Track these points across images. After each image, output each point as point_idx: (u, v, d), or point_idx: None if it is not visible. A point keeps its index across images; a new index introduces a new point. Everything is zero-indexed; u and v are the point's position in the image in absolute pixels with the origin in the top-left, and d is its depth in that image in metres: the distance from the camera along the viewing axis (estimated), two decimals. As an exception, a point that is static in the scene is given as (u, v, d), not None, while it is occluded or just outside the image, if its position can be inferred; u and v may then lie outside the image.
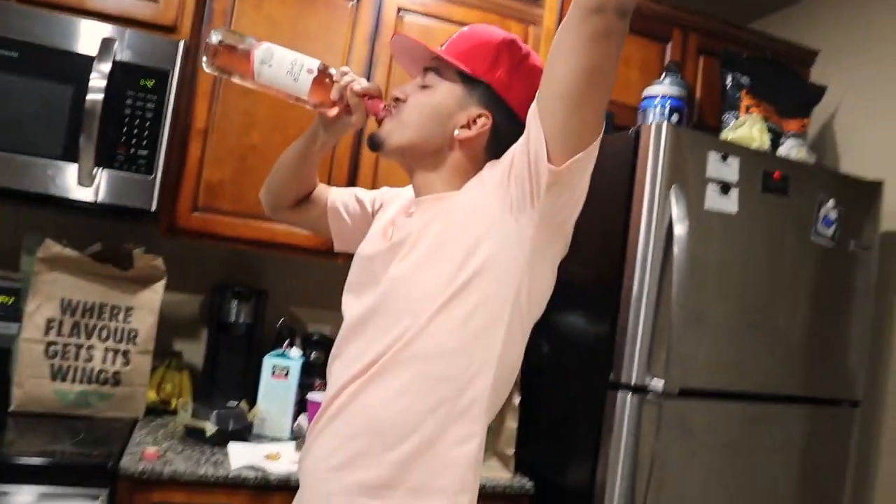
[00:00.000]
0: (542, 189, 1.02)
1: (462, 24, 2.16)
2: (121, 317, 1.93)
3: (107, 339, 1.91)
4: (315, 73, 1.19)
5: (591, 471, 1.79)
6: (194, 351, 2.28)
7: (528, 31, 2.29)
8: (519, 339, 1.13)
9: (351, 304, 1.20)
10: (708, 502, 1.82)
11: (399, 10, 2.17)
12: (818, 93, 2.40)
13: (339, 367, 1.15)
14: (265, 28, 2.04)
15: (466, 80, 1.16)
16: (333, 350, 1.20)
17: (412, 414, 1.05)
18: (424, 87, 1.19)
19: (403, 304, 1.08)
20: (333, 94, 1.20)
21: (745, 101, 2.26)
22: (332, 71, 1.21)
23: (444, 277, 1.06)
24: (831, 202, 1.97)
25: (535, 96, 1.04)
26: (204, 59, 1.21)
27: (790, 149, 2.11)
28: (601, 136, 1.04)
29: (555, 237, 1.10)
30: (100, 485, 1.53)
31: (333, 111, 1.22)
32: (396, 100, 1.20)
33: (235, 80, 1.23)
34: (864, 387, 2.07)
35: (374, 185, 2.06)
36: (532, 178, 1.02)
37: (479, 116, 1.15)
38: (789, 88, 2.35)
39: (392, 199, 1.33)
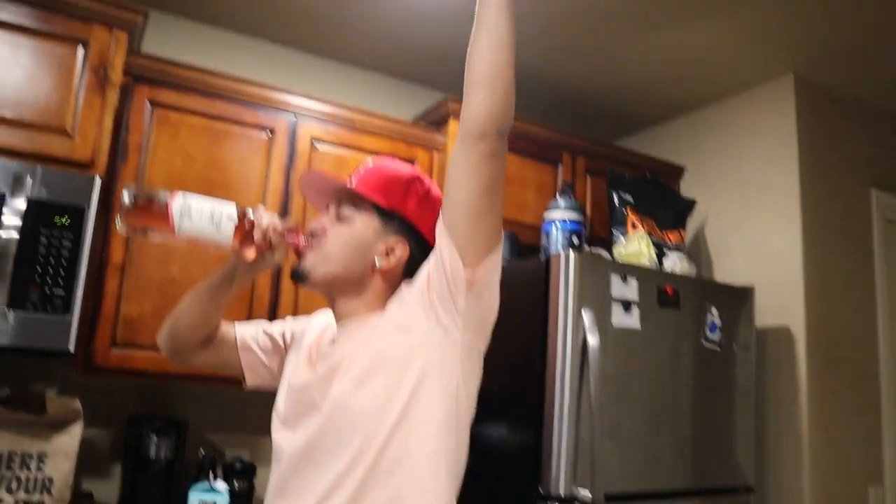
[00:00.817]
0: (463, 294, 1.12)
1: (373, 152, 2.32)
2: (33, 465, 1.82)
3: (17, 490, 1.79)
4: (236, 220, 1.20)
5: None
6: (106, 489, 2.16)
7: (433, 156, 2.45)
8: (465, 437, 1.22)
9: (288, 439, 1.22)
10: None
11: (312, 140, 2.26)
12: (689, 205, 2.70)
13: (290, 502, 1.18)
14: (181, 160, 2.07)
15: (382, 212, 1.25)
16: (273, 490, 1.21)
17: None
18: (340, 219, 1.26)
19: (351, 422, 1.13)
20: (257, 237, 1.22)
21: (631, 216, 2.51)
22: (250, 213, 1.23)
23: (386, 392, 1.13)
24: (714, 309, 2.21)
25: (428, 213, 1.22)
26: (118, 221, 1.18)
27: (674, 262, 2.36)
28: (502, 236, 1.17)
29: (480, 335, 1.20)
30: None
31: (254, 253, 1.24)
32: (314, 233, 1.26)
33: (154, 237, 1.22)
34: (754, 473, 2.28)
35: (295, 314, 2.11)
36: (451, 286, 1.13)
37: (397, 245, 1.24)
38: (665, 202, 2.64)
39: (304, 330, 1.38)
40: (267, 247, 1.24)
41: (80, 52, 1.90)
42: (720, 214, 2.76)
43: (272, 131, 2.21)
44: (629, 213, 2.52)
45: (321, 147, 2.28)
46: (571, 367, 1.91)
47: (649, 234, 2.46)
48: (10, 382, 1.94)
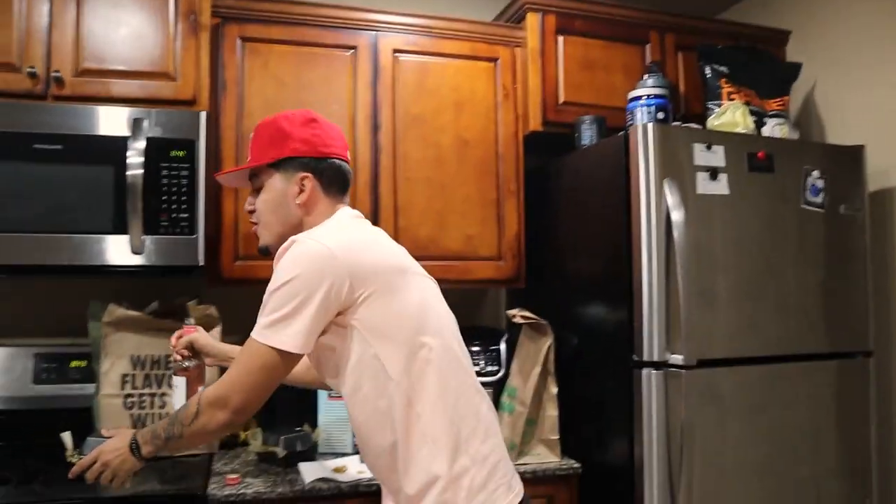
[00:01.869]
0: None
1: (454, 56, 2.38)
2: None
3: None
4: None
5: (629, 446, 1.95)
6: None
7: (515, 52, 2.48)
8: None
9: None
10: (739, 463, 1.97)
11: (394, 52, 2.36)
12: (794, 70, 2.55)
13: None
14: (273, 87, 2.25)
15: (276, 165, 1.53)
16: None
17: None
18: (257, 191, 1.56)
19: None
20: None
21: (726, 88, 2.42)
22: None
23: None
24: (816, 172, 2.12)
25: (308, 135, 1.53)
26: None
27: (773, 128, 2.27)
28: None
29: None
30: (193, 512, 1.73)
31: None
32: (251, 212, 1.57)
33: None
34: (874, 337, 2.20)
35: (395, 214, 2.27)
36: None
37: (303, 179, 1.51)
38: (766, 70, 2.51)
39: None
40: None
41: (172, 1, 2.10)
42: (830, 77, 2.59)
43: (355, 49, 2.33)
44: (724, 84, 2.43)
45: (403, 58, 2.38)
46: (657, 238, 1.92)
47: (747, 103, 2.37)
48: (157, 297, 2.24)
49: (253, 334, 1.37)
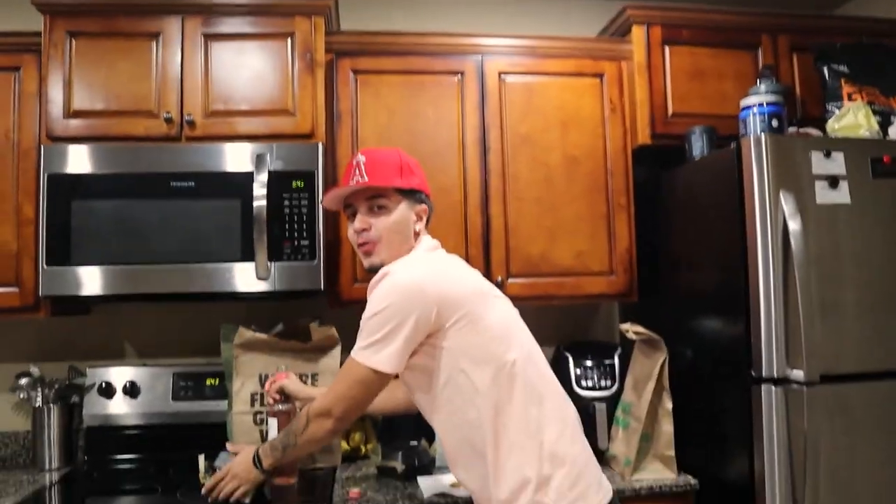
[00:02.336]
0: None
1: (560, 74, 2.40)
2: (309, 382, 2.25)
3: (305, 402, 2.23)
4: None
5: (749, 463, 1.90)
6: (371, 404, 2.58)
7: (621, 66, 2.47)
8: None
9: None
10: (868, 483, 1.88)
11: (500, 74, 2.41)
12: (923, 63, 2.40)
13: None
14: (385, 115, 2.35)
15: (406, 192, 1.67)
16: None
17: None
18: (376, 212, 1.66)
19: None
20: None
21: (847, 89, 2.31)
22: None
23: None
24: (951, 173, 1.99)
25: (423, 175, 1.75)
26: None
27: (899, 129, 2.15)
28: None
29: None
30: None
31: None
32: (364, 230, 1.66)
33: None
34: None
35: (506, 233, 2.32)
36: None
37: (423, 211, 1.71)
38: (891, 66, 2.38)
39: None
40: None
41: (289, 42, 2.25)
42: (966, 66, 2.41)
43: (462, 74, 2.40)
44: (843, 84, 2.32)
45: (509, 79, 2.42)
46: (773, 250, 1.87)
47: (870, 103, 2.25)
48: (283, 320, 2.39)
49: (353, 354, 1.57)
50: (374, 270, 1.65)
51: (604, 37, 2.58)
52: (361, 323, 1.57)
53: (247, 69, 2.24)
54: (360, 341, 1.56)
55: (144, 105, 2.19)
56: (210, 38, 2.23)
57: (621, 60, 2.48)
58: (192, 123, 2.19)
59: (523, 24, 2.74)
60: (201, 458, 1.99)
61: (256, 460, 1.78)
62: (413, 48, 2.38)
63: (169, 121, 2.18)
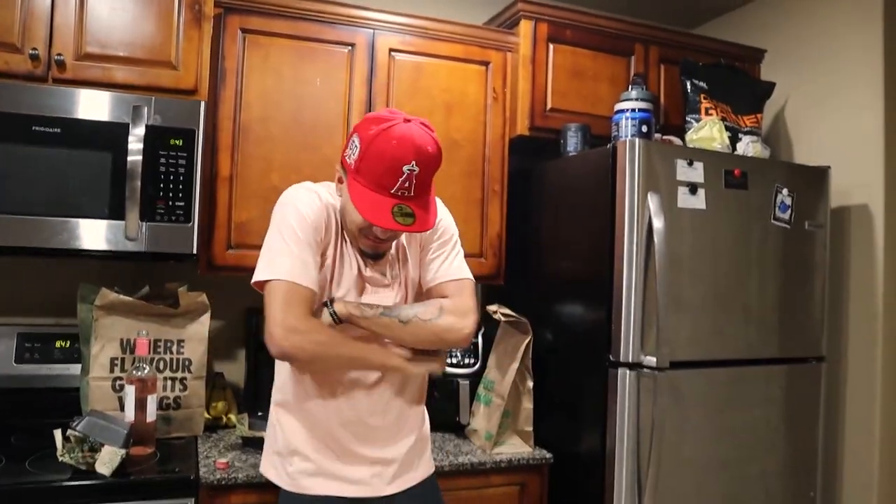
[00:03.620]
0: None
1: (447, 58, 2.44)
2: (174, 349, 2.17)
3: (164, 369, 2.15)
4: None
5: (601, 439, 2.08)
6: (234, 369, 2.55)
7: (507, 57, 2.56)
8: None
9: None
10: (700, 458, 2.13)
11: (390, 51, 2.42)
12: (768, 88, 2.69)
13: None
14: (272, 79, 2.29)
15: None
16: None
17: None
18: None
19: None
20: None
21: (705, 103, 2.55)
22: None
23: None
24: (785, 190, 2.26)
25: None
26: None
27: (746, 145, 2.40)
28: None
29: None
30: (186, 495, 1.79)
31: None
32: (386, 240, 1.61)
33: None
34: (826, 344, 2.37)
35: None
36: None
37: None
38: (742, 87, 2.65)
39: None
40: None
41: (175, -11, 2.12)
42: (801, 96, 2.73)
43: (353, 46, 2.38)
44: (702, 99, 2.55)
45: (399, 57, 2.43)
46: (638, 246, 2.04)
47: (723, 119, 2.50)
48: (148, 282, 2.28)
49: (461, 275, 1.69)
50: (372, 257, 1.64)
51: (492, 27, 2.65)
52: (442, 247, 1.69)
53: (128, 14, 2.08)
54: (457, 261, 1.69)
55: (5, 37, 1.98)
56: (90, -28, 2.06)
57: (507, 52, 2.56)
58: (61, 64, 2.01)
59: (417, 3, 2.75)
60: (57, 434, 1.83)
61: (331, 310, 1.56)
62: (306, 14, 2.32)
63: (35, 58, 1.99)
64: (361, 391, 1.61)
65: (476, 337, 2.48)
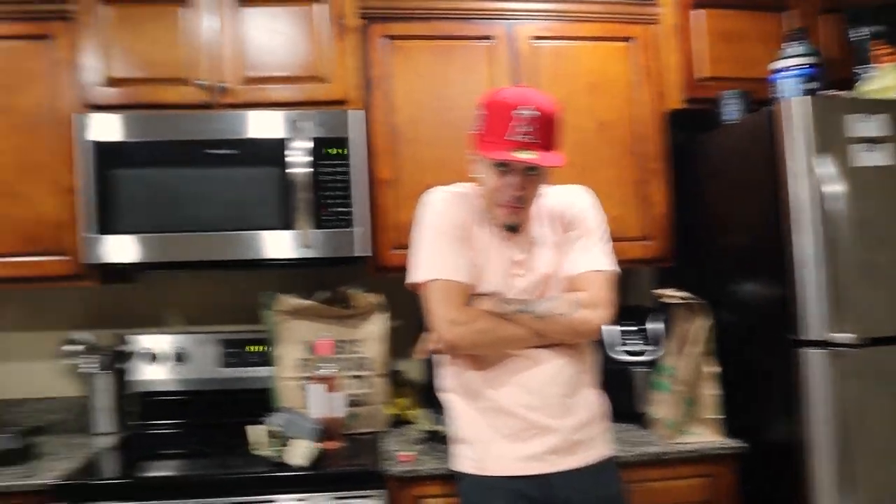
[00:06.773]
0: None
1: (590, 39, 2.40)
2: (354, 348, 2.29)
3: (346, 368, 2.27)
4: None
5: (794, 427, 1.94)
6: (413, 368, 2.64)
7: (649, 30, 2.47)
8: None
9: None
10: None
11: (530, 39, 2.41)
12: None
13: None
14: (416, 81, 2.35)
15: None
16: None
17: None
18: (532, 173, 1.63)
19: None
20: None
21: (880, 50, 2.32)
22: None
23: None
24: None
25: None
26: None
27: (937, 89, 2.16)
28: None
29: None
30: (378, 487, 1.89)
31: None
32: (521, 197, 1.65)
33: None
34: None
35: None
36: None
37: None
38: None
39: None
40: None
41: (319, 8, 2.26)
42: None
43: (492, 38, 2.39)
44: (875, 47, 2.33)
45: (539, 44, 2.41)
46: (813, 213, 1.90)
47: (903, 64, 2.27)
48: (321, 287, 2.41)
49: (601, 266, 1.70)
50: (511, 228, 1.69)
51: (632, 0, 2.57)
52: (583, 235, 1.72)
53: (280, 35, 2.24)
54: (598, 251, 1.71)
55: (178, 72, 2.19)
56: (243, 3, 2.23)
57: (649, 24, 2.48)
58: (225, 90, 2.19)
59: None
60: (250, 429, 2.01)
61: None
62: (444, 13, 2.37)
63: (202, 87, 2.17)
64: (526, 370, 1.65)
65: (644, 323, 2.41)
